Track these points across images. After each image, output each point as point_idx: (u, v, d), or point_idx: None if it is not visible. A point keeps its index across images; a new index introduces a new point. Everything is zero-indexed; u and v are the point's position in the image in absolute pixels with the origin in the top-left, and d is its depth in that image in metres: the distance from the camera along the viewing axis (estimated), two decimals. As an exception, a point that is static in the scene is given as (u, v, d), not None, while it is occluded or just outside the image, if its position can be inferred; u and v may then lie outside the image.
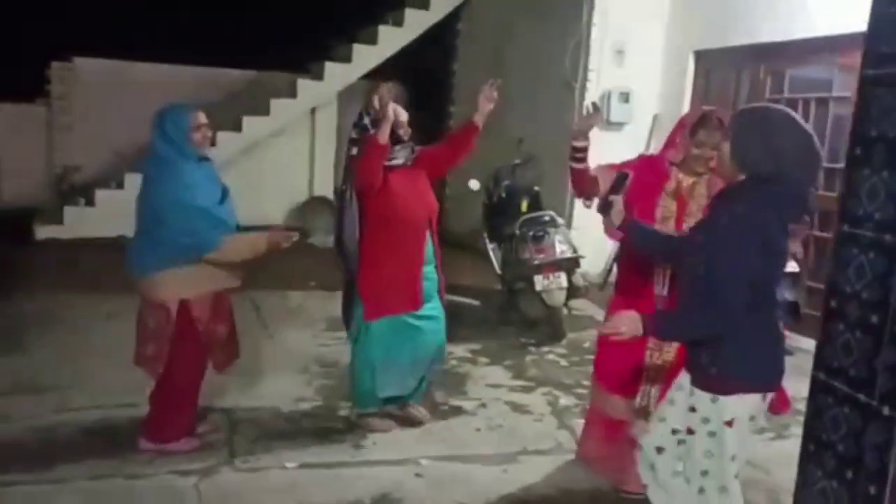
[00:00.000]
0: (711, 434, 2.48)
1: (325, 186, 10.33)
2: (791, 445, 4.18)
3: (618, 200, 2.93)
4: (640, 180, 3.32)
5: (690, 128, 3.30)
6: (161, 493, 3.37)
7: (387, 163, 3.72)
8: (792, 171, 2.31)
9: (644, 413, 3.40)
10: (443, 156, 3.99)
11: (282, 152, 9.88)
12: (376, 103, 3.77)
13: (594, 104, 3.40)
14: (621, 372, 3.47)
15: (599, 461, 3.68)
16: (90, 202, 8.91)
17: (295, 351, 5.39)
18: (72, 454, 3.64)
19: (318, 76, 9.64)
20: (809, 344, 5.41)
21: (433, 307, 3.97)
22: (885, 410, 1.60)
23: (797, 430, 4.33)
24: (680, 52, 7.49)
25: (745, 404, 2.48)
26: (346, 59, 9.59)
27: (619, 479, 3.51)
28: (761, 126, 2.38)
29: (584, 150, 3.42)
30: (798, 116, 2.44)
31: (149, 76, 9.94)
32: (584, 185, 3.49)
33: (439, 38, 10.09)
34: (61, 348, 5.10)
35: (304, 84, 9.65)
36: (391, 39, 9.61)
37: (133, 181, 8.86)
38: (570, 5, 7.73)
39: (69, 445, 3.75)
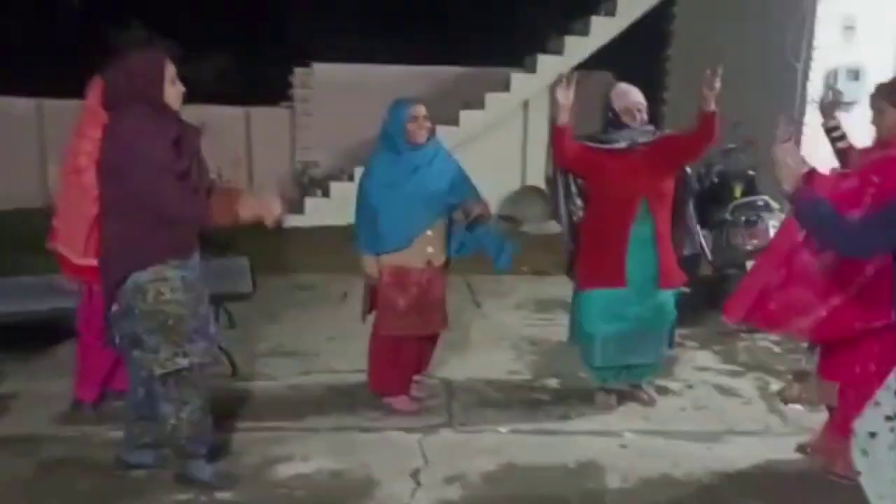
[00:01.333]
0: None
1: (537, 176, 10.63)
2: None
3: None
4: None
5: None
6: (390, 445, 3.83)
7: (604, 146, 3.96)
8: None
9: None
10: (681, 144, 3.98)
11: (496, 144, 10.30)
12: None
13: (833, 89, 3.39)
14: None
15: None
16: (326, 193, 9.85)
17: (507, 329, 5.74)
18: (319, 408, 4.23)
19: (532, 69, 9.94)
20: None
21: (646, 286, 4.02)
22: None
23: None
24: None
25: None
26: (559, 51, 9.81)
27: (828, 462, 3.48)
28: None
29: (837, 128, 3.45)
30: None
31: (379, 77, 10.76)
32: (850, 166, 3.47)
33: (653, 25, 10.02)
34: (307, 321, 5.82)
35: (517, 77, 9.99)
36: (604, 29, 9.71)
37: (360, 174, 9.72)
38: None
39: (317, 401, 4.34)
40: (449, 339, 5.08)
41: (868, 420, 2.69)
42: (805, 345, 4.27)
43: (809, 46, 7.30)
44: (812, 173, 2.94)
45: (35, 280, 4.94)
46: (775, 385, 4.64)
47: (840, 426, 3.27)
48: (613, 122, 4.00)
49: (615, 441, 3.90)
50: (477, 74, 10.66)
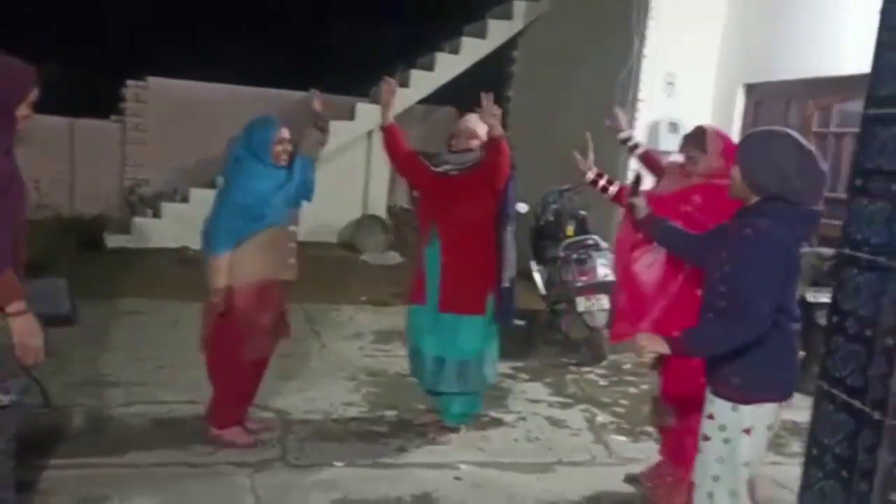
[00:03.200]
0: (727, 441, 2.61)
1: (379, 206, 10.69)
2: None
3: (639, 200, 3.12)
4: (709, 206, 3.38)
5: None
6: (220, 482, 3.65)
7: (436, 169, 4.11)
8: (797, 189, 2.48)
9: None
10: (482, 170, 4.05)
11: (339, 172, 10.25)
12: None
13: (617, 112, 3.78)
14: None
15: None
16: (157, 214, 9.39)
17: (344, 360, 5.67)
18: (142, 443, 3.96)
19: (376, 100, 9.99)
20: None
21: (433, 310, 4.14)
22: (876, 415, 1.78)
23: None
24: (730, 84, 7.64)
25: (765, 413, 2.59)
26: (405, 84, 9.93)
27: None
28: (765, 148, 2.55)
29: (629, 139, 3.94)
30: (800, 137, 2.60)
31: (217, 96, 10.49)
32: (653, 166, 3.97)
33: (495, 65, 10.40)
34: (132, 348, 5.47)
35: (362, 107, 10.02)
36: (448, 66, 9.97)
37: (197, 196, 9.37)
38: (623, 35, 7.94)
39: (140, 435, 4.07)
40: (286, 369, 4.98)
41: (703, 466, 2.73)
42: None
43: (635, 98, 7.83)
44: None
45: None
46: (601, 417, 4.86)
47: (672, 449, 3.51)
48: (447, 146, 4.15)
49: (450, 473, 3.92)
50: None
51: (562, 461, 4.19)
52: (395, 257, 9.92)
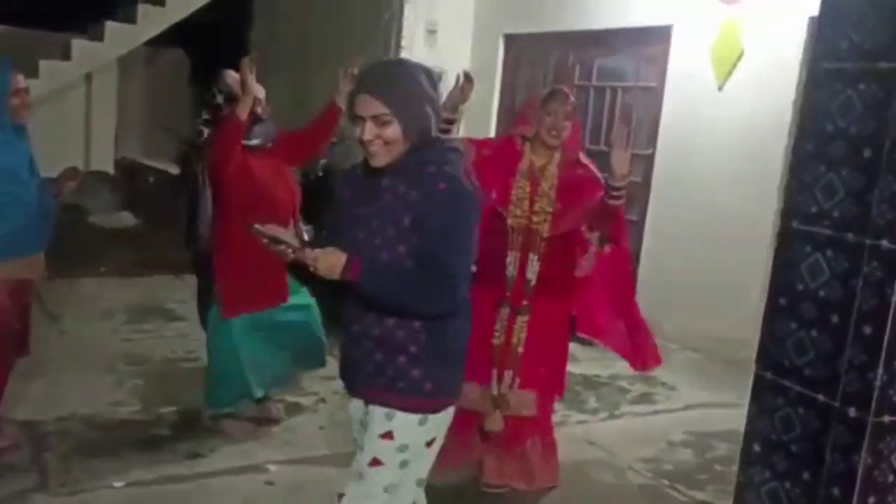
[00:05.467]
0: (404, 464, 2.12)
1: (105, 160, 9.40)
2: (626, 424, 4.43)
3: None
4: (495, 162, 3.27)
5: (541, 101, 3.27)
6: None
7: (245, 142, 3.41)
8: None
9: (500, 402, 3.34)
10: (302, 140, 3.70)
11: (53, 122, 8.78)
12: (228, 79, 3.44)
13: (467, 74, 3.25)
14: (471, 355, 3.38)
15: (457, 457, 3.57)
16: None
17: (96, 348, 4.80)
18: None
19: (97, 37, 8.66)
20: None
21: (300, 297, 3.70)
22: (851, 412, 1.63)
23: (628, 409, 4.63)
24: (490, 34, 7.59)
25: (448, 416, 2.16)
26: (131, 19, 8.68)
27: (477, 472, 3.45)
28: (411, 77, 2.03)
29: (453, 122, 3.32)
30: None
31: None
32: None
33: (234, 4, 9.46)
34: None
35: (79, 45, 8.61)
36: (182, 1, 8.85)
37: None
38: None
39: None
40: (24, 366, 4.04)
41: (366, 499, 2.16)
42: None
43: (398, 46, 7.51)
44: None
45: None
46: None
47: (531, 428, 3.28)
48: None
49: (260, 478, 3.40)
50: (26, 37, 8.95)
51: (378, 445, 3.83)
52: (128, 218, 8.79)
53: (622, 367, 5.07)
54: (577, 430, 4.17)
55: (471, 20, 7.75)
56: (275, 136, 3.57)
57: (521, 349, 3.27)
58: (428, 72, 2.06)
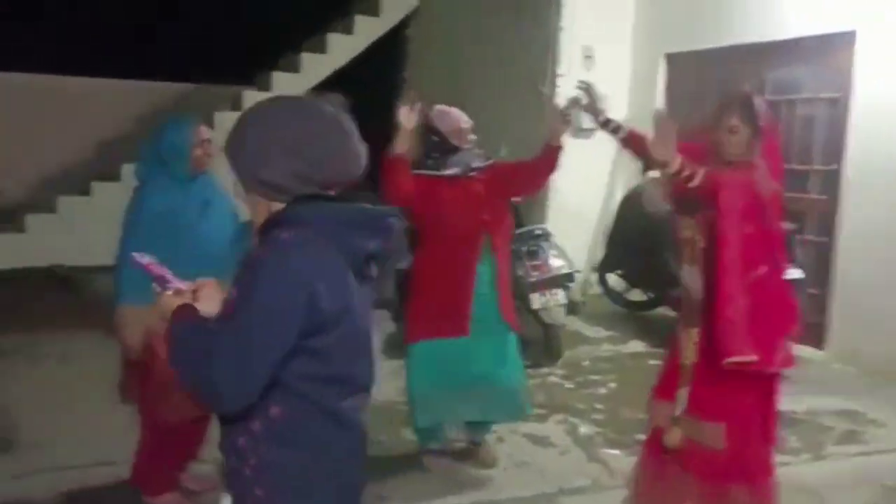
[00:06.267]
0: None
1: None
2: (834, 466, 4.03)
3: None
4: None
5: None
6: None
7: (435, 173, 3.41)
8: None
9: (679, 421, 3.10)
10: (520, 174, 3.59)
11: (227, 168, 9.32)
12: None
13: (566, 108, 3.16)
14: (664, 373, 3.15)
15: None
16: (20, 228, 8.15)
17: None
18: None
19: (265, 87, 9.12)
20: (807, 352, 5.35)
21: (489, 333, 3.52)
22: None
23: (835, 449, 4.21)
24: (650, 55, 7.34)
25: None
26: (295, 69, 9.11)
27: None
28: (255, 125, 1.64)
29: (609, 120, 3.20)
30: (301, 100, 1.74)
31: (75, 90, 9.28)
32: (640, 148, 3.24)
33: (389, 46, 9.72)
34: (13, 398, 4.48)
35: (249, 96, 9.09)
36: (341, 48, 9.20)
37: (66, 204, 8.23)
38: (536, 9, 7.49)
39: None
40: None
41: None
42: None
43: (554, 73, 7.40)
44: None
45: None
46: (584, 428, 4.38)
47: (728, 469, 3.00)
48: (440, 146, 3.47)
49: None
50: (202, 92, 9.60)
51: (563, 489, 3.66)
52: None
53: (817, 401, 4.68)
54: (779, 473, 3.82)
55: (628, 42, 7.54)
56: (481, 165, 3.52)
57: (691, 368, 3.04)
58: (299, 112, 1.63)
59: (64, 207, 8.25)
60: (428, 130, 3.52)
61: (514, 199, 4.09)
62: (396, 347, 5.60)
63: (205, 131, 3.27)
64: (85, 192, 8.37)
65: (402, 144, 3.35)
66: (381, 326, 6.25)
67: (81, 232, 7.55)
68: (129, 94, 9.60)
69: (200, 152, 3.22)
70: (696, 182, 2.75)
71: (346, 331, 1.58)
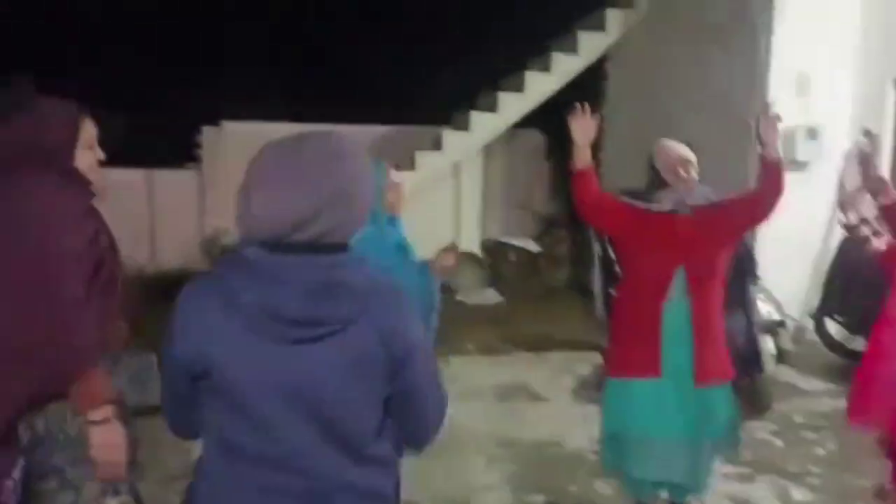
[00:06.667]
0: None
1: (471, 240, 9.97)
2: None
3: None
4: None
5: None
6: None
7: (642, 205, 3.28)
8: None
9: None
10: (744, 205, 3.31)
11: (425, 207, 9.59)
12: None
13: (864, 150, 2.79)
14: None
15: None
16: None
17: (466, 428, 4.90)
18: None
19: (463, 127, 9.33)
20: None
21: (680, 381, 3.20)
22: None
23: None
24: (877, 80, 6.69)
25: None
26: (492, 108, 9.24)
27: None
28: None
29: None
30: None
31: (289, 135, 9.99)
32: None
33: (587, 82, 9.61)
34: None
35: (449, 136, 9.35)
36: (538, 86, 9.21)
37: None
38: (743, 35, 7.08)
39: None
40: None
41: None
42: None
43: (765, 104, 6.92)
44: None
45: None
46: (797, 493, 3.97)
47: None
48: (654, 180, 3.32)
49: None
50: (402, 133, 9.99)
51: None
52: (493, 295, 9.18)
53: None
54: None
55: (850, 66, 6.91)
56: (696, 204, 3.28)
57: None
58: (257, 156, 1.66)
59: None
60: (649, 163, 3.38)
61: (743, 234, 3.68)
62: (589, 390, 5.45)
63: (395, 175, 3.32)
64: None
65: (582, 160, 3.24)
66: (575, 368, 6.12)
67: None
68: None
69: (392, 196, 3.27)
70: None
71: (218, 385, 1.57)
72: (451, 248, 3.40)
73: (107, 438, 2.21)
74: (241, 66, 10.99)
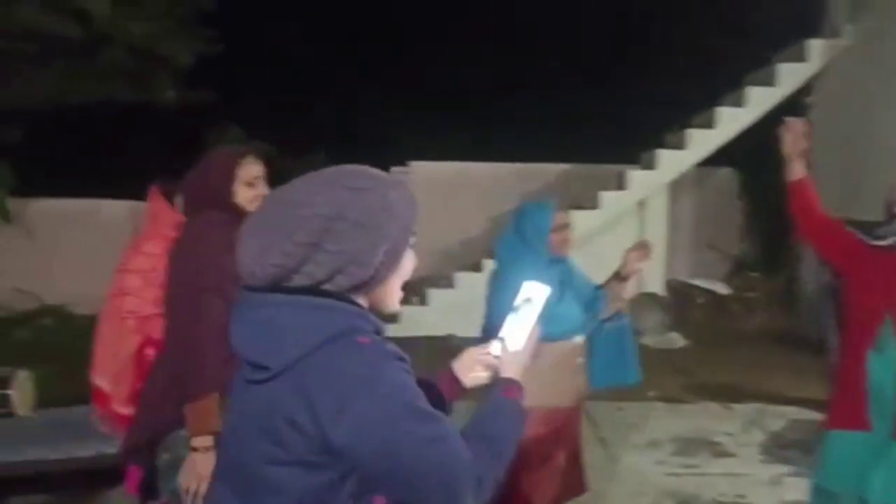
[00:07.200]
0: None
1: (656, 281, 9.61)
2: None
3: None
4: None
5: None
6: None
7: (865, 238, 3.02)
8: None
9: None
10: None
11: (608, 246, 9.36)
12: None
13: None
14: None
15: None
16: (423, 301, 9.06)
17: (642, 480, 4.66)
18: None
19: (649, 165, 9.07)
20: None
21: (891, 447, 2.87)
22: None
23: None
24: None
25: None
26: (679, 145, 8.92)
27: None
28: None
29: None
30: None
31: (480, 175, 10.17)
32: None
33: (784, 114, 9.04)
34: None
35: (634, 174, 9.12)
36: (730, 121, 8.79)
37: (462, 280, 8.95)
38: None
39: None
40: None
41: None
42: None
43: None
44: None
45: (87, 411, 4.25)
46: None
47: None
48: (887, 213, 3.06)
49: None
50: (587, 171, 9.86)
51: None
52: (677, 340, 8.76)
53: None
54: None
55: None
56: None
57: None
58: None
59: (460, 282, 8.98)
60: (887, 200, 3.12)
61: None
62: (783, 448, 5.02)
63: (563, 216, 3.26)
64: (476, 268, 9.01)
65: (795, 171, 3.06)
66: (766, 423, 5.67)
67: (473, 305, 8.10)
68: (523, 176, 10.16)
69: (557, 238, 3.21)
70: None
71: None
72: (642, 246, 3.29)
73: (200, 468, 2.29)
74: (430, 108, 11.37)
